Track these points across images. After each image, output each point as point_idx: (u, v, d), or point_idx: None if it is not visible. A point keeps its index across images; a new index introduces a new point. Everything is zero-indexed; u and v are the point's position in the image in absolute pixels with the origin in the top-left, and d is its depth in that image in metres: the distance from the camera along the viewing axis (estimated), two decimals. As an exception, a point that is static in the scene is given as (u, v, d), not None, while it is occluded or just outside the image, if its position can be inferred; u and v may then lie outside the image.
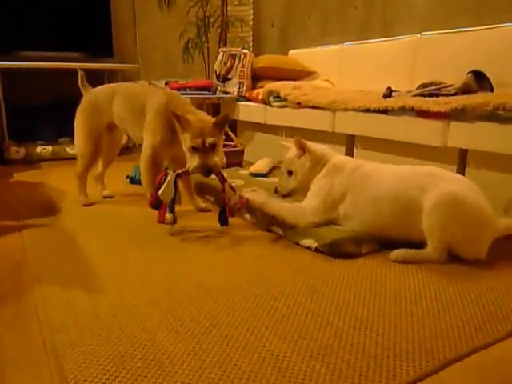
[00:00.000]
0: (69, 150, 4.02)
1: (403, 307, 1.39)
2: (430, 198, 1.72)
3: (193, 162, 2.00)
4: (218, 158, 2.06)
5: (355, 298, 1.46)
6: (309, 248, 1.88)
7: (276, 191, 2.20)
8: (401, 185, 1.83)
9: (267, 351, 1.15)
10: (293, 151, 2.15)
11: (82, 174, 2.59)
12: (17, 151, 3.98)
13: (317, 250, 1.85)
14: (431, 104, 2.25)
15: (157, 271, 1.67)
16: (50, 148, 4.06)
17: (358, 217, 1.91)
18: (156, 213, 2.08)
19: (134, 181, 3.07)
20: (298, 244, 1.94)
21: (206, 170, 1.99)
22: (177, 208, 2.10)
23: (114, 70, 4.70)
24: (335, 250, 1.81)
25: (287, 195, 2.17)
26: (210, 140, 1.98)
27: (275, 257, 1.82)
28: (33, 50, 4.22)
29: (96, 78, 4.64)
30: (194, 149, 1.99)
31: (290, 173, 2.15)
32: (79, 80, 2.61)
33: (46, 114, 4.30)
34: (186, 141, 2.02)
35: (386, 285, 1.56)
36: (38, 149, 4.08)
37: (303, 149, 2.09)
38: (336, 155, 2.13)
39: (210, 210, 2.44)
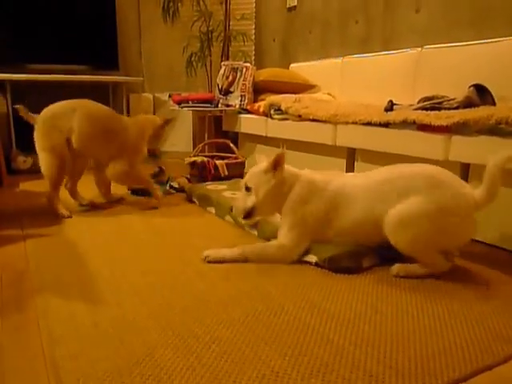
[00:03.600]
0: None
1: (405, 324, 1.37)
2: (386, 220, 1.72)
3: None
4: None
5: (356, 314, 1.44)
6: (308, 263, 1.87)
7: (232, 210, 2.05)
8: (368, 201, 1.80)
9: (267, 368, 1.14)
10: (260, 166, 1.96)
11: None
12: (24, 161, 4.02)
13: (317, 264, 1.83)
14: (433, 118, 2.25)
15: (157, 284, 1.65)
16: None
17: (348, 235, 1.87)
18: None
19: (137, 193, 3.07)
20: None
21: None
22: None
23: (118, 82, 4.74)
24: (335, 265, 1.79)
25: (247, 216, 1.96)
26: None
27: (276, 271, 1.80)
28: (40, 63, 4.29)
29: (101, 91, 4.72)
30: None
31: (247, 189, 1.94)
32: (23, 115, 2.58)
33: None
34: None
35: (388, 301, 1.54)
36: (45, 159, 4.09)
37: (277, 165, 1.90)
38: (303, 173, 1.96)
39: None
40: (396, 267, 1.77)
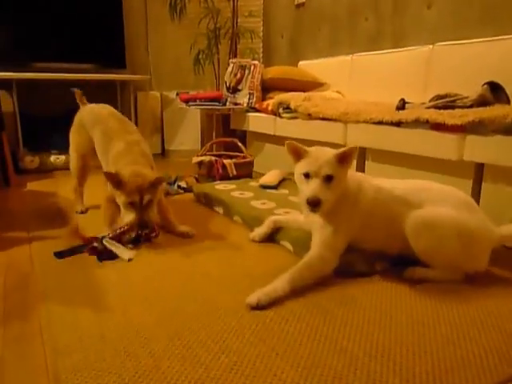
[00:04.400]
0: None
1: (421, 333, 1.33)
2: (408, 223, 1.68)
3: (129, 216, 2.00)
4: (153, 213, 2.07)
5: (370, 321, 1.39)
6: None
7: (309, 202, 1.60)
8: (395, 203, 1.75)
9: (278, 380, 1.09)
10: (327, 153, 1.67)
11: (75, 187, 2.66)
12: (31, 160, 4.00)
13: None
14: (447, 117, 2.19)
15: (164, 289, 1.62)
16: (63, 157, 4.07)
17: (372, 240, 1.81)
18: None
19: None
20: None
21: (143, 225, 2.01)
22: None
23: (126, 80, 4.71)
24: (347, 270, 1.74)
25: (316, 206, 1.61)
26: (146, 198, 1.99)
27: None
28: (47, 62, 4.27)
29: (108, 89, 4.70)
30: (130, 204, 1.98)
31: (329, 178, 1.63)
32: (77, 98, 2.65)
33: (60, 123, 4.30)
34: (120, 196, 2.01)
35: (402, 307, 1.49)
36: (52, 158, 4.10)
37: (346, 159, 1.66)
38: (365, 179, 1.84)
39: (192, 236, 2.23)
40: (410, 271, 1.72)
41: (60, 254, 1.94)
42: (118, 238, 2.00)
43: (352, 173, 1.80)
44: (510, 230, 1.71)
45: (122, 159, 2.11)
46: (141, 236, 2.06)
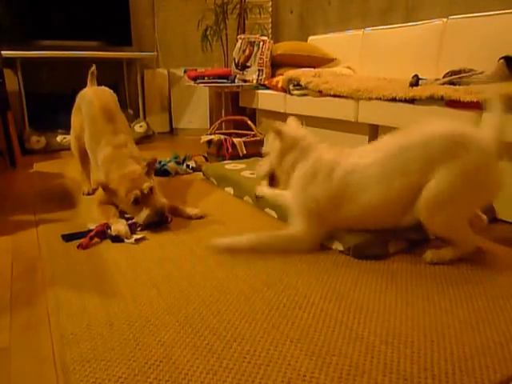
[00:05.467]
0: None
1: (438, 318, 1.28)
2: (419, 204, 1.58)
3: (141, 214, 1.98)
4: (158, 196, 2.05)
5: (385, 306, 1.36)
6: (333, 250, 1.78)
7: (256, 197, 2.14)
8: (385, 179, 1.64)
9: (293, 370, 1.06)
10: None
11: (80, 169, 2.65)
12: (37, 141, 3.95)
13: (342, 252, 1.75)
14: (462, 93, 2.11)
15: (175, 274, 1.58)
16: (69, 137, 3.98)
17: (364, 222, 1.74)
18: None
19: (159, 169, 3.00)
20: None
21: (160, 212, 2.00)
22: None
23: (132, 58, 4.63)
24: (361, 253, 1.70)
25: (270, 182, 1.97)
26: (145, 186, 1.96)
27: (299, 259, 1.70)
28: (51, 39, 4.19)
29: (115, 67, 4.63)
30: (135, 201, 1.96)
31: (266, 155, 1.97)
32: (89, 75, 2.61)
33: (66, 102, 4.25)
34: (122, 201, 2.00)
35: (418, 291, 1.45)
36: (59, 138, 4.05)
37: (277, 132, 1.85)
38: (319, 147, 1.82)
39: (201, 217, 2.19)
40: (429, 253, 1.67)
41: (68, 237, 1.91)
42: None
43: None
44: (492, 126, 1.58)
45: (110, 164, 2.10)
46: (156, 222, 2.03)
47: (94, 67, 2.61)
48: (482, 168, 1.52)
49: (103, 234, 1.91)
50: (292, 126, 1.92)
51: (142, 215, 1.97)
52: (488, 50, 2.64)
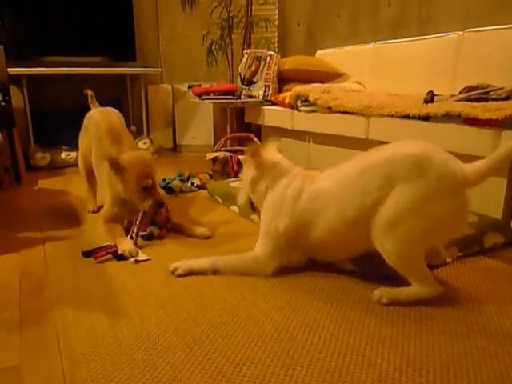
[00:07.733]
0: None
1: (455, 344, 1.24)
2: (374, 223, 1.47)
3: (145, 203, 2.03)
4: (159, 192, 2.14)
5: (398, 331, 1.31)
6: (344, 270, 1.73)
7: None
8: (344, 201, 1.57)
9: (305, 398, 1.03)
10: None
11: (87, 187, 2.65)
12: (42, 157, 3.95)
13: (353, 272, 1.70)
14: (480, 110, 2.05)
15: (181, 295, 1.55)
16: (74, 154, 3.99)
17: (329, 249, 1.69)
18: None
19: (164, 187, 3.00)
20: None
21: (161, 203, 2.06)
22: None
23: (136, 74, 4.64)
24: (372, 273, 1.65)
25: (253, 207, 1.87)
26: (154, 178, 2.05)
27: (308, 281, 1.65)
28: (56, 55, 4.21)
29: (118, 82, 4.63)
30: (144, 188, 2.01)
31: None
32: (89, 99, 2.63)
33: (71, 119, 4.25)
34: (128, 183, 2.02)
35: (432, 315, 1.40)
36: (63, 155, 4.05)
37: (253, 155, 1.75)
38: (292, 173, 1.74)
39: (209, 237, 2.16)
40: (377, 292, 1.51)
41: (87, 253, 1.92)
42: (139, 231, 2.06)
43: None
44: (476, 168, 1.40)
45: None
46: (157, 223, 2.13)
47: (90, 91, 2.63)
48: (445, 193, 1.39)
49: (116, 253, 1.91)
50: (268, 152, 1.80)
51: (146, 204, 2.03)
52: (507, 65, 2.60)
